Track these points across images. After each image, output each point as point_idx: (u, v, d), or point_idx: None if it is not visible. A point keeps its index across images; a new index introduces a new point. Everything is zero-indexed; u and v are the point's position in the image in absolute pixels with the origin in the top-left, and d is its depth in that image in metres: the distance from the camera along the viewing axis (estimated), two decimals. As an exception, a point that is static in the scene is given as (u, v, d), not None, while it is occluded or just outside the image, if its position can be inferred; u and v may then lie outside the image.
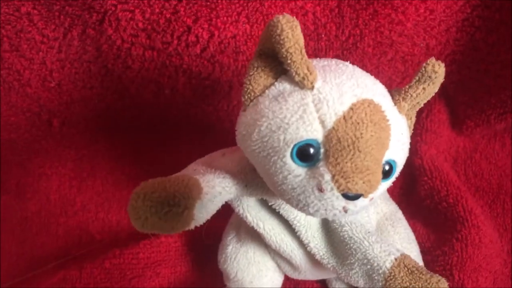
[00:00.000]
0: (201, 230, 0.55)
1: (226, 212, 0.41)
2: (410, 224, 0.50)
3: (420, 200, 0.57)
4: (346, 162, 0.29)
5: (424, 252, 0.51)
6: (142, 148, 0.63)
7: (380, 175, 0.31)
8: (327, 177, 0.30)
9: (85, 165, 0.63)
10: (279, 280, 0.50)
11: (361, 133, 0.30)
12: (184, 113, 0.59)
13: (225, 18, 0.49)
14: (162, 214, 0.30)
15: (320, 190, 0.30)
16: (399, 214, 0.48)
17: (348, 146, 0.30)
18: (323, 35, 0.52)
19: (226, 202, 0.39)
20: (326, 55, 0.54)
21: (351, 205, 0.31)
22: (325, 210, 0.31)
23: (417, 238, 0.51)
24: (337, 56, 0.54)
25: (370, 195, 0.31)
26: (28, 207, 0.62)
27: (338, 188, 0.29)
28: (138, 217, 0.30)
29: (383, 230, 0.45)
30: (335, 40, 0.53)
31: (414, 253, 0.46)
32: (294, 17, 0.30)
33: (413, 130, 0.53)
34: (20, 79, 0.53)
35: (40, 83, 0.55)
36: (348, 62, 0.35)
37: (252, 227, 0.41)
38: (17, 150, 0.61)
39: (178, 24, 0.49)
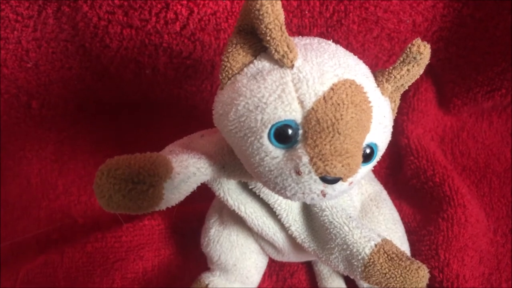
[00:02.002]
0: (184, 213, 0.55)
1: (211, 194, 0.40)
2: (396, 204, 0.49)
3: (406, 179, 0.57)
4: (325, 145, 0.29)
5: (410, 232, 0.50)
6: (124, 130, 0.62)
7: (360, 159, 0.30)
8: (305, 159, 0.29)
9: (66, 147, 0.62)
10: (263, 262, 0.50)
11: (341, 115, 0.29)
12: (166, 93, 0.58)
13: (204, -7, 0.47)
14: (126, 191, 0.29)
15: (298, 172, 0.29)
16: (384, 194, 0.47)
17: (328, 128, 0.29)
18: (306, 12, 0.51)
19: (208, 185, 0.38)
20: (310, 33, 0.52)
21: (329, 189, 0.30)
22: (303, 193, 0.30)
23: (403, 218, 0.50)
24: (321, 33, 0.53)
25: (350, 179, 0.30)
26: (8, 190, 0.61)
27: (316, 171, 0.29)
28: (103, 195, 0.29)
29: (368, 211, 0.45)
30: (319, 16, 0.51)
31: (399, 234, 0.46)
32: None
33: (399, 109, 0.52)
34: (-5, 60, 0.52)
35: (16, 64, 0.53)
36: (331, 40, 0.34)
37: (233, 211, 0.40)
38: (-2, 134, 0.60)
39: (156, 0, 0.47)
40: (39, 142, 0.61)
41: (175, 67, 0.54)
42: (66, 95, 0.57)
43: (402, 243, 0.46)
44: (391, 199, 0.48)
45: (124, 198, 0.29)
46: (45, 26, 0.51)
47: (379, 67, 0.56)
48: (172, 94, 0.58)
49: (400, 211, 0.51)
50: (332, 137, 0.29)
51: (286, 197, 0.31)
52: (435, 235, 0.49)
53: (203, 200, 0.48)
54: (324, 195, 0.30)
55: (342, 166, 0.28)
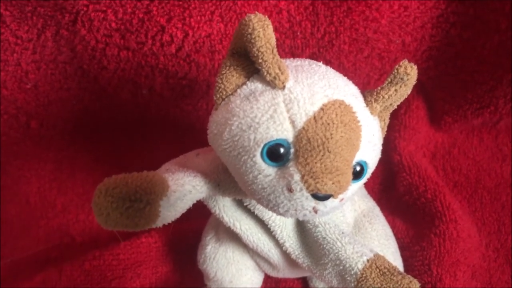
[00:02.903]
0: (181, 230, 0.55)
1: (207, 211, 0.41)
2: (389, 220, 0.50)
3: (399, 196, 0.57)
4: (316, 163, 0.29)
5: (403, 247, 0.51)
6: (122, 149, 0.62)
7: (350, 176, 0.31)
8: (297, 177, 0.30)
9: (65, 166, 0.62)
10: (259, 279, 0.50)
11: (331, 134, 0.30)
12: (163, 113, 0.59)
13: (198, 17, 0.49)
14: (124, 209, 0.30)
15: (290, 190, 0.30)
16: (377, 210, 0.48)
17: (318, 146, 0.30)
18: (298, 33, 0.52)
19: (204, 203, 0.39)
20: (303, 53, 0.54)
21: (321, 205, 0.31)
22: (295, 210, 0.31)
23: (396, 233, 0.51)
24: (313, 54, 0.54)
25: (340, 196, 0.31)
26: (7, 209, 0.61)
27: (307, 188, 0.29)
28: (101, 213, 0.30)
29: (361, 227, 0.45)
30: (311, 37, 0.53)
31: (392, 249, 0.46)
32: (267, 16, 0.30)
33: (391, 126, 0.53)
34: (-5, 81, 0.53)
35: (16, 85, 0.54)
36: (321, 62, 0.35)
37: (229, 227, 0.41)
38: (-5, 153, 0.60)
39: (152, 23, 0.49)
40: (38, 161, 0.62)
41: (171, 87, 0.55)
42: (65, 115, 0.58)
43: (395, 258, 0.46)
44: (384, 215, 0.48)
45: (122, 215, 0.30)
46: (44, 49, 0.52)
47: (371, 85, 0.58)
48: (169, 113, 0.59)
49: (393, 227, 0.52)
50: (323, 155, 0.29)
51: (279, 213, 0.32)
52: (427, 251, 0.50)
53: (200, 217, 0.48)
54: (316, 212, 0.31)
55: (333, 183, 0.29)
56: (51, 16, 0.49)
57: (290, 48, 0.53)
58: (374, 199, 0.50)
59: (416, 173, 0.56)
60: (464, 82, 0.56)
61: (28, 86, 0.55)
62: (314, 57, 0.54)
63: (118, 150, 0.62)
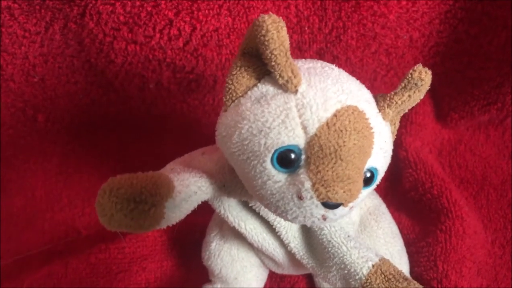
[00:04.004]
0: (187, 225, 0.55)
1: (212, 207, 0.41)
2: (395, 216, 0.50)
3: (405, 192, 0.57)
4: (327, 171, 0.29)
5: (409, 243, 0.51)
6: (128, 143, 0.63)
7: (361, 184, 0.31)
8: (307, 185, 0.29)
9: (71, 160, 0.62)
10: (263, 275, 0.50)
11: (344, 141, 0.29)
12: (170, 107, 0.59)
13: (206, 11, 0.49)
14: (128, 211, 0.29)
15: (300, 197, 0.29)
16: (383, 208, 0.48)
17: (330, 154, 0.29)
18: (306, 28, 0.52)
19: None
20: (310, 48, 0.54)
21: (330, 213, 0.30)
22: (304, 217, 0.31)
23: (402, 230, 0.51)
24: (320, 49, 0.54)
25: (350, 204, 0.30)
26: (13, 203, 0.61)
27: (318, 196, 0.29)
28: (104, 213, 0.29)
29: (367, 225, 0.45)
30: (318, 32, 0.53)
31: (398, 247, 0.46)
32: (280, 17, 0.29)
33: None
34: (3, 74, 0.53)
35: (23, 78, 0.54)
36: (332, 64, 0.34)
37: (234, 227, 0.41)
38: (1, 146, 0.60)
39: (160, 17, 0.49)
40: (44, 155, 0.62)
41: (178, 81, 0.55)
42: (72, 109, 0.58)
43: (401, 256, 0.46)
44: (390, 211, 0.48)
45: (126, 217, 0.29)
46: (51, 42, 0.52)
47: (378, 81, 0.57)
48: (175, 107, 0.59)
49: (399, 223, 0.52)
50: (335, 163, 0.29)
51: (287, 219, 0.32)
52: (433, 247, 0.50)
53: (205, 213, 0.48)
54: (324, 219, 0.31)
55: (344, 192, 0.29)
56: (59, 9, 0.49)
57: (297, 43, 0.53)
58: (380, 195, 0.50)
59: (422, 169, 0.56)
60: (471, 78, 0.56)
61: (36, 79, 0.55)
62: (321, 52, 0.54)
63: (125, 145, 0.63)
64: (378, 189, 0.52)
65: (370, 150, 0.31)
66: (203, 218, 0.52)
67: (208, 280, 0.50)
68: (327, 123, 0.29)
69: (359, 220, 0.45)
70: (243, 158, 0.31)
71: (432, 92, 0.60)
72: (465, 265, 0.49)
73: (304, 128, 0.29)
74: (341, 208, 0.30)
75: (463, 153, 0.60)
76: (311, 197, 0.29)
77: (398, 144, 0.58)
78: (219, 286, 0.49)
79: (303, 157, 0.30)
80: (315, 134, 0.29)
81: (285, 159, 0.30)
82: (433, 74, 0.58)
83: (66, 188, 0.62)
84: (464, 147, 0.61)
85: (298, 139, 0.29)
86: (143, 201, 0.30)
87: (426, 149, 0.59)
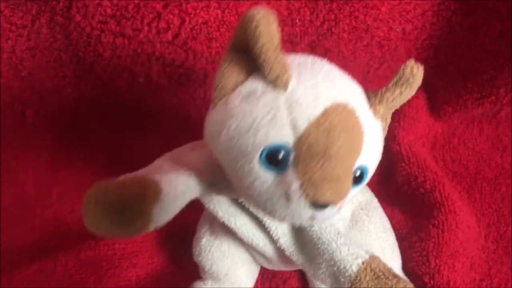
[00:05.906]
0: (177, 221, 0.55)
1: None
2: (387, 211, 0.49)
3: (398, 186, 0.57)
4: (316, 171, 0.28)
5: (401, 238, 0.50)
6: (118, 138, 0.62)
7: (350, 184, 0.30)
8: (296, 185, 0.29)
9: (61, 156, 0.62)
10: (255, 271, 0.50)
11: (333, 141, 0.28)
12: (160, 102, 0.58)
13: (195, 3, 0.48)
14: (115, 219, 0.29)
15: (288, 198, 0.29)
16: (375, 202, 0.47)
17: (319, 153, 0.28)
18: (297, 20, 0.51)
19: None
20: (301, 41, 0.53)
21: (318, 214, 0.30)
22: (292, 217, 0.30)
23: (394, 224, 0.51)
24: (312, 42, 0.53)
25: (339, 204, 0.30)
26: (3, 198, 0.61)
27: (306, 197, 0.29)
28: (91, 221, 0.29)
29: (358, 220, 0.44)
30: (310, 25, 0.52)
31: (390, 242, 0.46)
32: (271, 11, 0.28)
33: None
34: (-11, 69, 0.53)
35: (11, 73, 0.54)
36: (326, 59, 0.33)
37: (224, 222, 0.40)
38: (-11, 142, 0.60)
39: (148, 10, 0.48)
40: (34, 150, 0.62)
41: (168, 75, 0.54)
42: (61, 103, 0.58)
43: (393, 250, 0.46)
44: (383, 206, 0.48)
45: (113, 225, 0.29)
46: (38, 36, 0.51)
47: (370, 74, 0.57)
48: (165, 102, 0.58)
49: (392, 217, 0.52)
50: (323, 163, 0.28)
51: (276, 219, 0.32)
52: (426, 242, 0.49)
53: (196, 209, 0.48)
54: (313, 219, 0.30)
55: (332, 192, 0.29)
56: (46, 1, 0.48)
57: (288, 36, 0.53)
58: (372, 189, 0.50)
59: (415, 163, 0.55)
60: (464, 71, 0.56)
61: (23, 73, 0.54)
62: (313, 45, 0.53)
63: (115, 139, 0.62)
64: (371, 184, 0.51)
65: (360, 148, 0.30)
66: (193, 214, 0.51)
67: (199, 277, 0.50)
68: (316, 122, 0.29)
69: (351, 215, 0.45)
70: (231, 157, 0.30)
71: (425, 85, 0.59)
72: (458, 260, 0.48)
73: (293, 126, 0.29)
74: (329, 208, 0.30)
75: (456, 147, 0.60)
76: (299, 198, 0.29)
77: (391, 138, 0.58)
78: (210, 283, 0.48)
79: (291, 156, 0.29)
80: (304, 133, 0.29)
81: (273, 159, 0.29)
82: (427, 67, 0.58)
83: (56, 184, 0.61)
84: (457, 141, 0.60)
85: (287, 138, 0.29)
86: (130, 209, 0.29)
87: (419, 143, 0.59)
